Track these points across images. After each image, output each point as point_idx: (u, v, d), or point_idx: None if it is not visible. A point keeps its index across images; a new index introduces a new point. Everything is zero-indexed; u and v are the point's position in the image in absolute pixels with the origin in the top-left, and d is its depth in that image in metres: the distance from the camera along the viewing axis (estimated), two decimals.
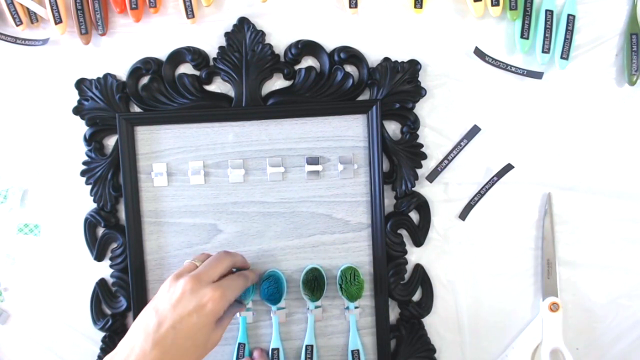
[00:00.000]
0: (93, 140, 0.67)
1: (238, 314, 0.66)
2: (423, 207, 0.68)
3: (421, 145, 0.67)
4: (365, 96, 0.67)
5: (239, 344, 0.67)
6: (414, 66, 0.66)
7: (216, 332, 0.57)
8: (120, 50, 0.68)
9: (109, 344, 0.68)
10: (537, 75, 0.66)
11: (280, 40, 0.67)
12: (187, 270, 0.58)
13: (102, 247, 0.68)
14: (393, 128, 0.68)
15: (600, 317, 0.69)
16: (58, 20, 0.66)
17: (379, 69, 0.66)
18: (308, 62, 0.68)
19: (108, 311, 0.69)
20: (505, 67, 0.67)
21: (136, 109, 0.68)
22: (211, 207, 0.68)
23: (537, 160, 0.68)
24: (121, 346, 0.54)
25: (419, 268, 0.68)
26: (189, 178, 0.68)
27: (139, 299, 0.67)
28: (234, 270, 0.64)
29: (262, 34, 0.67)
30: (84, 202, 0.68)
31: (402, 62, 0.66)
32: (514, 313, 0.69)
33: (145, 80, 0.67)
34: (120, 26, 0.68)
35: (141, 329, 0.54)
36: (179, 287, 0.56)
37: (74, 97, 0.67)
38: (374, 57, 0.67)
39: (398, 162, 0.66)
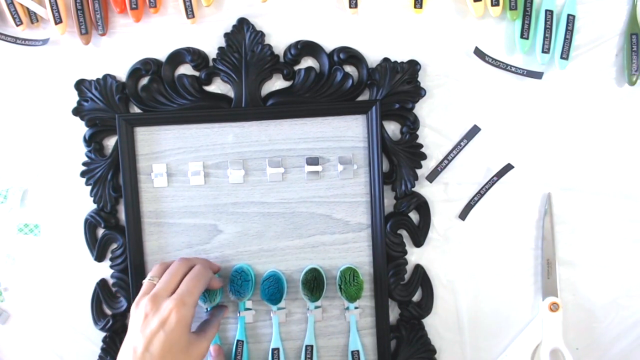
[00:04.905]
0: (93, 141, 0.67)
1: (238, 313, 0.67)
2: (423, 207, 0.68)
3: (421, 146, 0.67)
4: (364, 96, 0.67)
5: (238, 340, 0.67)
6: (413, 66, 0.66)
7: (199, 341, 0.58)
8: (120, 50, 0.68)
9: (110, 344, 0.68)
10: (537, 75, 0.66)
11: (279, 40, 0.67)
12: (146, 292, 0.58)
13: (102, 247, 0.68)
14: (393, 128, 0.68)
15: (600, 317, 0.69)
16: (58, 20, 0.66)
17: (378, 69, 0.66)
18: (308, 62, 0.68)
19: (108, 311, 0.69)
20: (505, 67, 0.67)
21: (136, 109, 0.68)
22: (211, 207, 0.68)
23: (537, 160, 0.68)
24: None
25: (419, 268, 0.68)
26: (189, 179, 0.68)
27: None
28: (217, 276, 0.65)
29: (262, 34, 0.66)
30: (84, 203, 0.68)
31: (402, 63, 0.66)
32: (514, 313, 0.69)
33: (144, 81, 0.67)
34: (120, 26, 0.68)
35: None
36: (140, 311, 0.56)
37: (73, 98, 0.67)
38: (373, 58, 0.67)
39: (398, 163, 0.66)
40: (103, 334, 0.69)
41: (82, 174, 0.68)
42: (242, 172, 0.67)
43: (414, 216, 0.68)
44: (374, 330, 0.68)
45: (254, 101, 0.66)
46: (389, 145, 0.66)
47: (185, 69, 0.68)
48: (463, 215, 0.68)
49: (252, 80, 0.66)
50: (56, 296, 0.70)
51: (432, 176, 0.68)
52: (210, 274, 0.62)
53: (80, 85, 0.67)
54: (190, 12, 0.66)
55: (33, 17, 0.67)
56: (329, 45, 0.67)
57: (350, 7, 0.66)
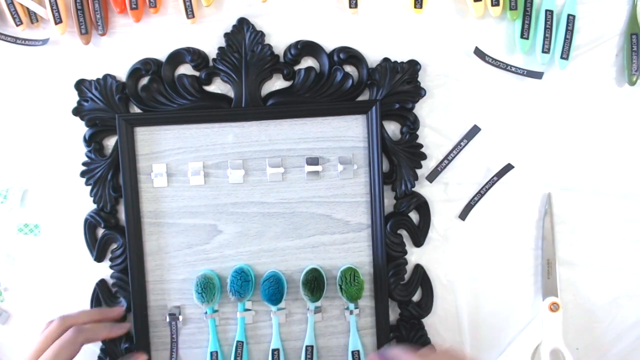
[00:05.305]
0: (93, 141, 0.67)
1: (237, 313, 0.66)
2: (423, 207, 0.68)
3: (421, 146, 0.67)
4: (364, 96, 0.67)
5: (237, 342, 0.67)
6: (413, 66, 0.66)
7: None
8: (120, 50, 0.68)
9: (109, 344, 0.68)
10: (537, 75, 0.66)
11: (279, 40, 0.67)
12: None
13: (102, 247, 0.68)
14: (393, 128, 0.68)
15: (600, 317, 0.69)
16: (58, 20, 0.66)
17: (378, 69, 0.66)
18: (308, 62, 0.68)
19: None
20: (505, 67, 0.67)
21: (136, 109, 0.68)
22: (211, 207, 0.68)
23: (537, 160, 0.68)
24: None
25: (419, 268, 0.68)
26: (188, 179, 0.68)
27: (139, 300, 0.67)
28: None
29: (262, 34, 0.66)
30: (84, 203, 0.68)
31: (402, 63, 0.66)
32: (514, 313, 0.69)
33: (144, 81, 0.67)
34: (120, 26, 0.68)
35: None
36: None
37: (73, 98, 0.67)
38: (373, 58, 0.67)
39: (398, 163, 0.66)
40: None
41: (82, 174, 0.68)
42: (242, 172, 0.67)
43: (414, 216, 0.68)
44: (374, 330, 0.68)
45: (254, 101, 0.66)
46: (389, 145, 0.66)
47: (185, 69, 0.68)
48: (463, 215, 0.68)
49: (252, 80, 0.66)
50: (56, 296, 0.70)
51: (432, 176, 0.68)
52: (82, 338, 0.61)
53: (80, 85, 0.67)
54: (190, 12, 0.66)
55: (33, 17, 0.67)
56: (329, 45, 0.67)
57: (350, 7, 0.66)
